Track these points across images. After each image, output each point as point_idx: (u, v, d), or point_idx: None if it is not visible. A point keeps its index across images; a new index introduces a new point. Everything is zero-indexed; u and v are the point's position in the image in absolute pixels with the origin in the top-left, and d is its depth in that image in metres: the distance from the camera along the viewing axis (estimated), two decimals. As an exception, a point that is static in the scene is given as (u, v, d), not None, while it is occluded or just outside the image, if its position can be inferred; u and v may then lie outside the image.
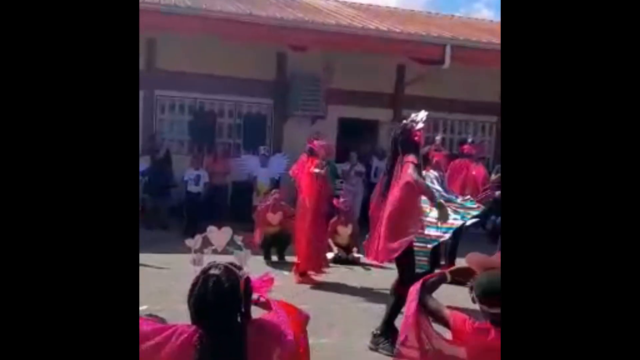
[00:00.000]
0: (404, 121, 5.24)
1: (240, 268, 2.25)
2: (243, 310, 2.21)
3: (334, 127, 12.11)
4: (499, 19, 13.40)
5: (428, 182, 6.08)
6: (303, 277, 6.99)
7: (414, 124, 5.16)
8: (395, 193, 4.99)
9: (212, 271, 2.18)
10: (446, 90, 12.28)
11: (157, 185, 10.08)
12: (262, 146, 11.08)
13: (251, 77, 11.52)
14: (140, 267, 2.66)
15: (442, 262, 6.90)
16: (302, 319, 2.43)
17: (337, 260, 8.03)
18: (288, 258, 7.80)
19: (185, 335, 2.13)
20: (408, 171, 4.96)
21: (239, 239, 2.58)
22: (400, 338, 2.77)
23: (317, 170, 6.94)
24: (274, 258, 7.95)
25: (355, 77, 11.69)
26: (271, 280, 2.41)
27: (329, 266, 7.42)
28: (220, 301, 2.14)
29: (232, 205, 10.85)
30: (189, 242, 2.50)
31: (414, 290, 2.76)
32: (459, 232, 6.78)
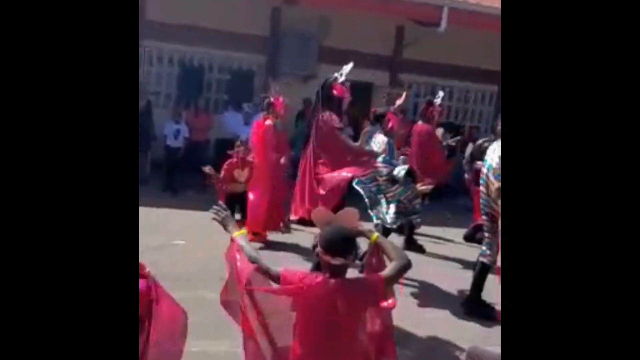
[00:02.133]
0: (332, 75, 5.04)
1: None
2: None
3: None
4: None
5: (374, 147, 5.83)
6: (256, 235, 6.69)
7: (338, 77, 4.95)
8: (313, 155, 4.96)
9: None
10: (447, 55, 11.94)
11: (135, 137, 9.78)
12: (247, 103, 10.74)
13: (244, 32, 11.13)
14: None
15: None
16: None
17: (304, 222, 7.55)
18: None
19: None
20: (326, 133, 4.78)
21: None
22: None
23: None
24: (237, 216, 7.39)
25: (352, 37, 11.28)
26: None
27: (289, 229, 6.95)
28: None
29: (213, 163, 10.49)
30: None
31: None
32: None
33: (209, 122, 10.65)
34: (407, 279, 5.61)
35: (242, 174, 7.34)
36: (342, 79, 4.95)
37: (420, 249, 7.12)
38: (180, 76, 11.52)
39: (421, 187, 5.97)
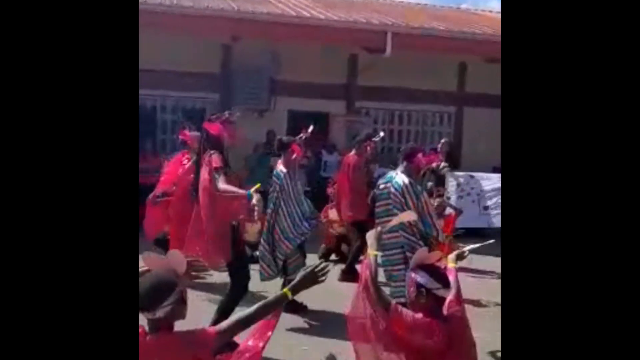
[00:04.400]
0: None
1: None
2: None
3: (283, 120, 11.69)
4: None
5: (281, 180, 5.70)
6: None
7: (225, 114, 4.87)
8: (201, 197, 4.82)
9: None
10: (400, 79, 12.01)
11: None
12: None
13: (195, 71, 11.05)
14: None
15: None
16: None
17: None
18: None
19: None
20: (205, 176, 4.69)
21: None
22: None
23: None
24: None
25: (304, 68, 11.31)
26: None
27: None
28: None
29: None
30: None
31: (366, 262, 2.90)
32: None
33: (157, 165, 10.38)
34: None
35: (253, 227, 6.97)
36: (221, 118, 4.85)
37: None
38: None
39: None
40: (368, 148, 7.49)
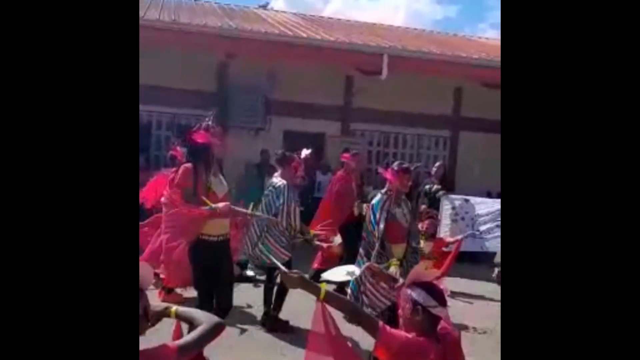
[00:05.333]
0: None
1: None
2: None
3: (278, 139, 11.65)
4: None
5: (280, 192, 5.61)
6: (169, 294, 6.29)
7: (203, 125, 4.66)
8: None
9: None
10: (396, 102, 12.04)
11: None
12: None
13: (191, 88, 11.05)
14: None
15: None
16: None
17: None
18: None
19: None
20: (167, 190, 4.58)
21: None
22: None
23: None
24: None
25: (300, 88, 11.34)
26: None
27: None
28: None
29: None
30: None
31: None
32: None
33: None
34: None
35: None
36: (204, 125, 4.69)
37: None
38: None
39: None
40: (351, 164, 7.44)
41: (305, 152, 6.44)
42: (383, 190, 4.98)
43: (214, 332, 2.25)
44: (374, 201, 4.95)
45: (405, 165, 5.07)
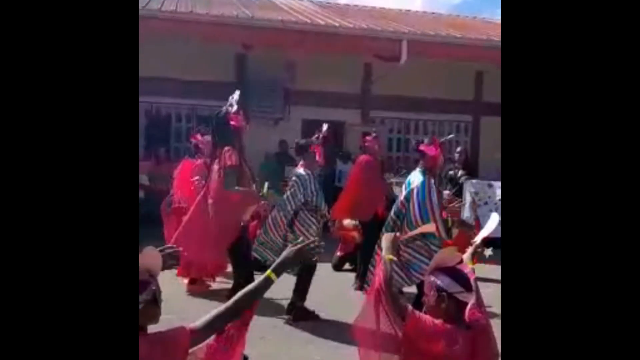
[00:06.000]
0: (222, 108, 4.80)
1: None
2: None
3: (297, 129, 11.60)
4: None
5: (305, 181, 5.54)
6: (194, 284, 6.31)
7: (230, 108, 4.69)
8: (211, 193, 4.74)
9: None
10: (416, 89, 11.90)
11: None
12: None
13: (209, 80, 11.00)
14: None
15: None
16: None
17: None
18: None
19: None
20: (216, 172, 4.53)
21: None
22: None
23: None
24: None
25: (319, 77, 11.25)
26: None
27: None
28: None
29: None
30: None
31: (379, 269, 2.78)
32: None
33: (171, 170, 10.36)
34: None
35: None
36: (234, 108, 4.69)
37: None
38: (147, 128, 11.32)
39: None
40: (369, 145, 7.36)
41: (324, 128, 6.40)
42: (419, 169, 4.91)
43: (231, 313, 2.19)
44: (416, 182, 4.82)
45: (442, 139, 5.04)
